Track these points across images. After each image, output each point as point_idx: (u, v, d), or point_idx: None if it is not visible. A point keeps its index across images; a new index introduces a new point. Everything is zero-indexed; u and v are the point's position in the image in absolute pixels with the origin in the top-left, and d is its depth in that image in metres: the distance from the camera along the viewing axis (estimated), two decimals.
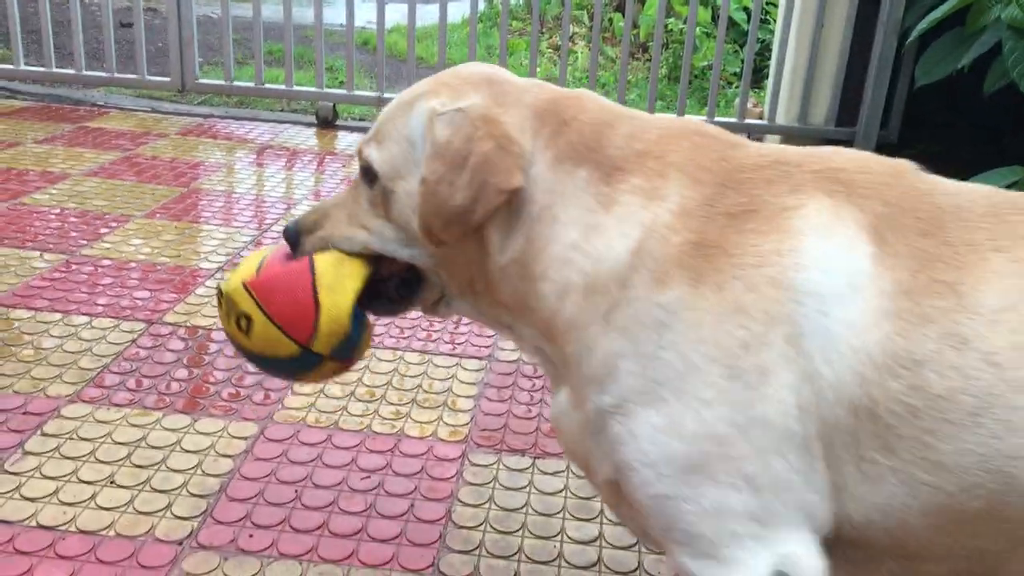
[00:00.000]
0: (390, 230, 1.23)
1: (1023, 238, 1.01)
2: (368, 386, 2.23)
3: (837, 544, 1.06)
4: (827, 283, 1.00)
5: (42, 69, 4.80)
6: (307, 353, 1.25)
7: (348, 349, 1.27)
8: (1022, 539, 1.01)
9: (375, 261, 1.27)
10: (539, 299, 1.15)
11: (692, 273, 1.04)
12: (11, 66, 4.80)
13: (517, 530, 1.75)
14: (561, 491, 1.87)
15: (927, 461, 0.98)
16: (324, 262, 1.25)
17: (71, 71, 4.80)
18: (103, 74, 4.84)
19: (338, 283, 1.23)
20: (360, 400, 2.17)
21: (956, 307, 0.97)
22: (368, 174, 1.23)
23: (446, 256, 1.21)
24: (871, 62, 4.38)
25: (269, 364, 1.30)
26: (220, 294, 1.28)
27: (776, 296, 1.00)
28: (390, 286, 1.28)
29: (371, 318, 1.32)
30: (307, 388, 2.19)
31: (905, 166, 1.14)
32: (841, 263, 1.01)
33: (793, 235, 1.03)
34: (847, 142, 4.53)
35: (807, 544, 1.02)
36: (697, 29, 5.59)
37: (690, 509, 1.02)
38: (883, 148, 4.49)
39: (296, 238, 1.29)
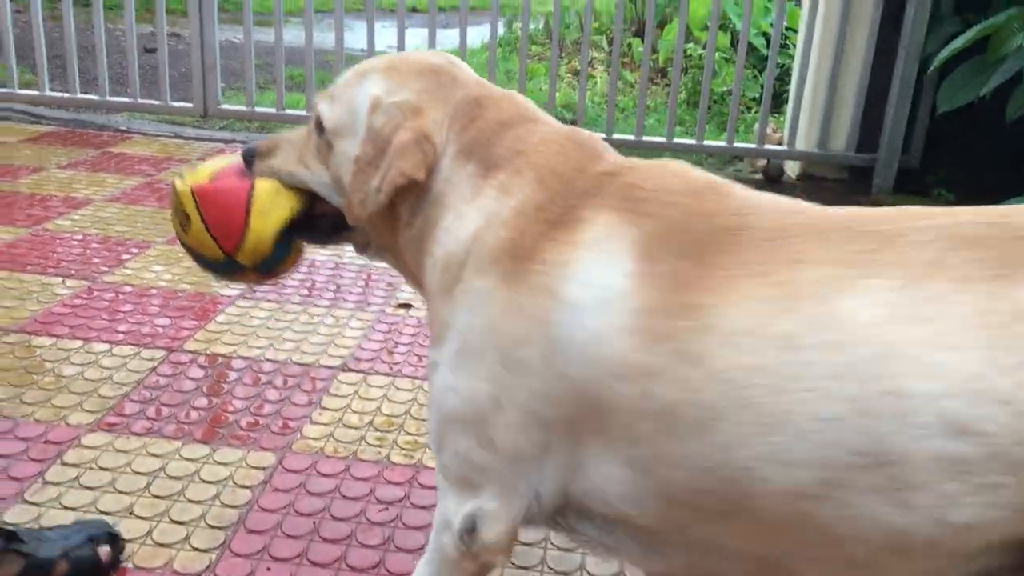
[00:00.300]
0: (327, 176, 1.39)
1: (793, 262, 1.03)
2: (387, 415, 2.22)
3: (610, 521, 1.18)
4: (583, 296, 1.11)
5: (66, 95, 4.86)
6: (231, 261, 1.42)
7: (269, 266, 1.45)
8: (793, 543, 1.04)
9: (312, 198, 1.42)
10: (422, 270, 1.33)
11: (501, 269, 1.18)
12: (36, 91, 4.86)
13: (536, 564, 1.74)
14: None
15: (661, 459, 1.07)
16: (263, 189, 1.41)
17: (95, 96, 4.85)
18: (126, 99, 4.89)
19: (270, 210, 1.40)
20: (378, 429, 2.16)
21: (696, 327, 1.03)
22: (319, 124, 1.38)
23: (368, 220, 1.36)
24: (892, 88, 4.36)
25: (198, 259, 1.47)
26: (173, 190, 1.44)
27: (545, 303, 1.13)
28: (324, 223, 1.44)
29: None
30: (325, 417, 2.19)
31: (710, 184, 1.19)
32: (599, 278, 1.11)
33: (573, 248, 1.14)
34: (868, 168, 4.51)
35: (508, 506, 1.20)
36: (716, 54, 5.60)
37: (449, 449, 1.24)
38: (905, 174, 4.47)
39: (251, 160, 1.46)
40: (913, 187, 4.45)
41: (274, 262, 1.44)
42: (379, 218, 1.33)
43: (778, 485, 0.99)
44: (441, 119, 1.30)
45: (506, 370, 1.16)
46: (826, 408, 0.95)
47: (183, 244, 1.47)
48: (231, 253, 1.41)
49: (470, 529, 1.23)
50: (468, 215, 1.24)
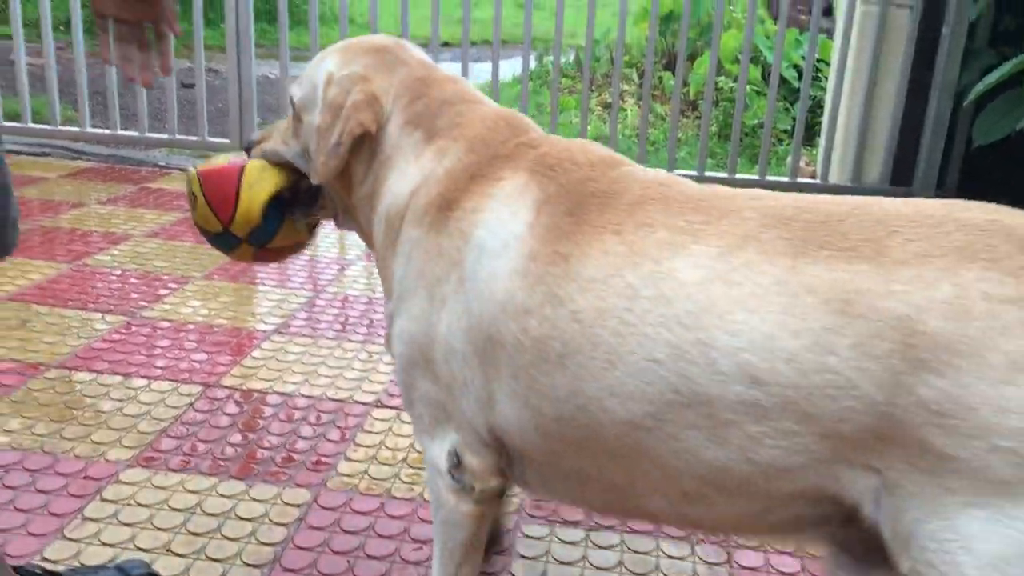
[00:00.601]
0: (300, 148, 1.58)
1: (644, 224, 1.18)
2: (420, 452, 2.23)
3: (522, 457, 1.31)
4: (489, 240, 1.27)
5: (107, 131, 4.96)
6: (228, 234, 1.63)
7: (261, 238, 1.64)
8: (637, 473, 1.19)
9: (297, 174, 1.62)
10: (372, 225, 1.50)
11: (429, 219, 1.35)
12: (77, 128, 4.96)
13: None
14: (616, 566, 1.84)
15: (533, 390, 1.21)
16: (252, 167, 1.63)
17: (134, 132, 4.94)
18: (164, 136, 4.97)
19: (257, 185, 1.60)
20: (412, 466, 2.17)
21: (562, 273, 1.19)
22: (292, 104, 1.57)
23: (329, 183, 1.55)
24: (926, 121, 4.33)
25: (205, 234, 1.68)
26: (186, 176, 1.67)
27: (459, 246, 1.30)
28: (306, 196, 1.63)
29: None
30: (359, 454, 2.19)
31: (605, 159, 1.35)
32: (504, 227, 1.27)
33: (485, 199, 1.31)
34: None
35: (467, 436, 1.33)
36: (748, 87, 5.60)
37: (415, 397, 1.38)
38: None
39: (250, 148, 1.69)
40: None
41: (265, 234, 1.64)
42: (337, 178, 1.51)
43: (618, 416, 1.15)
44: (386, 88, 1.49)
45: (431, 307, 1.31)
46: (653, 350, 1.11)
47: (194, 223, 1.68)
48: (227, 224, 1.62)
49: (456, 464, 1.35)
50: (410, 173, 1.42)
